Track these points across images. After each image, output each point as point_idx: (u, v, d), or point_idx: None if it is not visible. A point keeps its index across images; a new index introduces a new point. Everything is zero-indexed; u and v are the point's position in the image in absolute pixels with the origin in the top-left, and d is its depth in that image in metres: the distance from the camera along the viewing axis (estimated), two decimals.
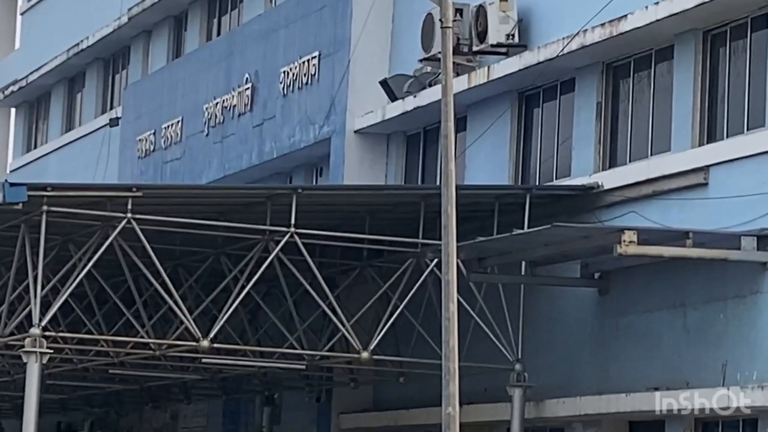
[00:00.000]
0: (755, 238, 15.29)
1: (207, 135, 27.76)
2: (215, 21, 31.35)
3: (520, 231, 16.57)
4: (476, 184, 19.29)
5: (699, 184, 16.07)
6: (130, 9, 33.96)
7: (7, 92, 39.69)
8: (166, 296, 16.96)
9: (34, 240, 16.23)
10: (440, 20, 12.99)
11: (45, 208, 15.43)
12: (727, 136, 16.56)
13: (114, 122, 30.69)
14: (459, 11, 18.48)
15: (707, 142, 16.50)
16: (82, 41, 34.14)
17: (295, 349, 18.59)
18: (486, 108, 20.46)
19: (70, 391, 26.27)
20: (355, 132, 22.85)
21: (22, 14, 42.15)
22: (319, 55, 23.69)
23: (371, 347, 17.43)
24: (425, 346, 16.95)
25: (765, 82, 16.03)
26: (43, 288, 16.10)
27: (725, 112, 16.58)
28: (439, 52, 14.44)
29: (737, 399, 14.99)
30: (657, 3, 16.26)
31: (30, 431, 16.13)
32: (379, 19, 22.98)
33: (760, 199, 15.11)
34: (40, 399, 16.48)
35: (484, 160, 20.25)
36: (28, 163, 40.36)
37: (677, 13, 16.12)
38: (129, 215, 15.70)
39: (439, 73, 15.44)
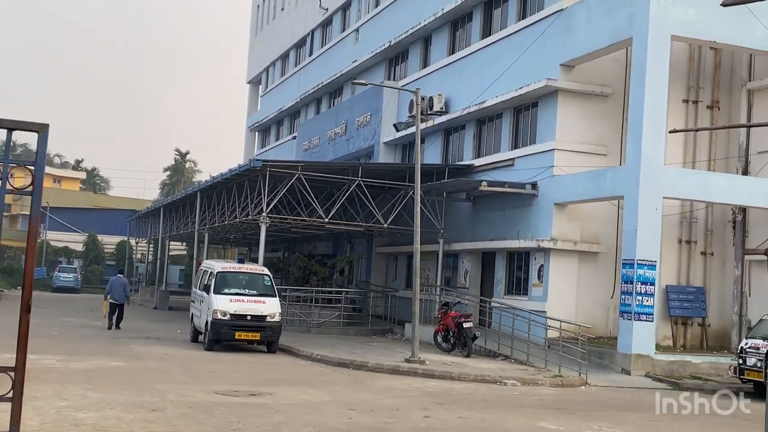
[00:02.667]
0: (531, 185, 24.09)
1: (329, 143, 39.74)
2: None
3: (445, 180, 26.47)
4: (429, 162, 28.86)
5: (510, 165, 25.73)
6: None
7: None
8: (314, 203, 26.42)
9: (262, 181, 26.18)
10: (416, 102, 22.44)
11: (268, 169, 25.76)
12: (529, 144, 25.85)
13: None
14: (423, 98, 26.46)
15: (514, 148, 25.88)
16: None
17: (360, 222, 28.00)
18: (433, 136, 30.33)
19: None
20: (384, 143, 33.12)
21: None
22: (371, 114, 33.90)
23: (388, 222, 27.16)
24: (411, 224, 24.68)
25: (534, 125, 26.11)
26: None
27: (528, 134, 25.90)
28: (412, 115, 26.32)
29: (523, 243, 24.30)
30: (496, 97, 25.59)
31: (260, 257, 26.52)
32: (391, 100, 32.48)
33: (539, 170, 24.09)
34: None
35: (434, 154, 30.27)
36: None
37: (502, 102, 25.61)
38: (298, 173, 25.81)
39: (413, 122, 26.06)
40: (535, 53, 24.72)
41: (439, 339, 22.70)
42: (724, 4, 10.16)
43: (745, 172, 22.81)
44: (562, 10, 23.97)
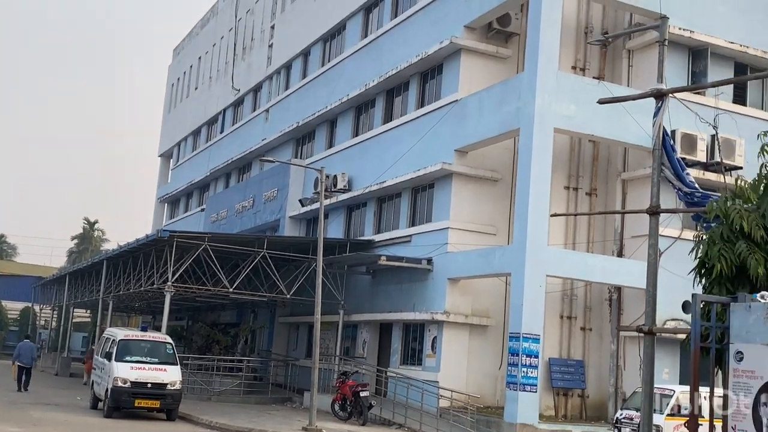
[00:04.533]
0: (426, 260, 24.49)
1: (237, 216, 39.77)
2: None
3: (347, 254, 26.65)
4: (332, 237, 29.45)
5: (408, 241, 26.16)
6: None
7: None
8: (220, 273, 25.95)
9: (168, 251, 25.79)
10: (321, 179, 24.01)
11: (175, 240, 25.18)
12: (425, 222, 26.28)
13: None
14: (327, 176, 27.96)
15: (412, 226, 26.30)
16: None
17: (264, 292, 27.47)
18: (336, 212, 30.56)
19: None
20: (289, 217, 33.29)
21: None
22: (278, 189, 34.02)
23: (291, 293, 26.82)
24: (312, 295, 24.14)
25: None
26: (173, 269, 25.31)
27: (425, 213, 26.63)
28: (317, 192, 26.67)
29: (418, 315, 24.28)
30: (395, 177, 26.19)
31: (164, 325, 25.73)
32: (297, 177, 32.97)
33: (434, 247, 24.51)
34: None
35: (336, 228, 30.48)
36: None
37: (401, 182, 26.22)
38: (205, 243, 25.30)
39: (317, 198, 26.28)
40: (433, 138, 25.34)
41: (337, 408, 22.44)
42: (600, 102, 10.73)
43: (620, 255, 23.63)
44: (457, 100, 24.73)
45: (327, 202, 28.37)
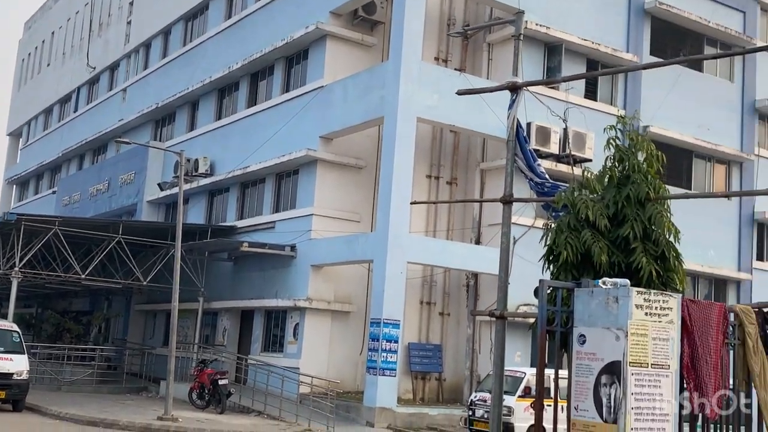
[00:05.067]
0: (290, 247, 24.35)
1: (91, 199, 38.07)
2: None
3: (207, 240, 25.89)
4: (192, 222, 28.54)
5: (271, 227, 25.93)
6: None
7: None
8: (71, 259, 25.07)
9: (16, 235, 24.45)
10: (180, 163, 22.14)
11: (23, 223, 23.94)
12: (289, 209, 26.13)
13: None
14: (188, 160, 27.26)
15: (275, 212, 26.05)
16: None
17: (119, 279, 26.83)
18: (197, 197, 30.02)
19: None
20: (148, 202, 32.34)
21: None
22: (135, 173, 33.10)
23: (148, 280, 26.25)
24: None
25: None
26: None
27: (289, 199, 26.70)
28: (176, 176, 25.94)
29: (280, 302, 24.12)
30: (259, 162, 25.82)
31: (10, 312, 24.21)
32: (156, 160, 32.12)
33: (298, 233, 24.40)
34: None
35: (198, 214, 29.87)
36: None
37: (265, 167, 26.05)
38: (56, 227, 24.38)
39: (177, 182, 24.72)
40: (297, 124, 25.19)
41: (194, 396, 22.05)
42: (459, 93, 10.99)
43: (478, 242, 24.36)
44: (322, 87, 24.69)
45: (187, 186, 27.76)
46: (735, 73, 28.75)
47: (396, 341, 21.00)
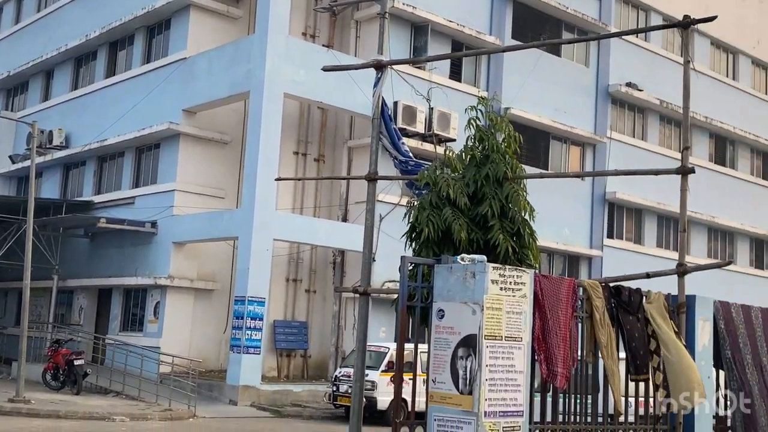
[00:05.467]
0: (151, 223, 23.71)
1: None
2: None
3: (62, 216, 24.75)
4: (46, 197, 27.92)
5: (131, 203, 25.31)
6: None
7: None
8: None
9: None
10: (33, 134, 20.88)
11: None
12: (150, 184, 25.40)
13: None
14: (41, 131, 25.66)
15: (135, 187, 25.42)
16: None
17: None
18: (51, 170, 29.03)
19: None
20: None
21: None
22: None
23: None
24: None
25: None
26: None
27: (150, 174, 26.49)
28: (29, 148, 24.16)
29: (140, 280, 23.98)
30: (118, 135, 24.94)
31: None
32: (8, 131, 30.54)
33: (159, 209, 24.16)
34: None
35: (52, 188, 28.81)
36: None
37: (124, 140, 25.00)
38: None
39: (29, 156, 23.03)
40: (159, 96, 24.48)
41: (49, 377, 21.21)
42: (324, 69, 10.95)
43: (345, 219, 24.51)
44: (185, 58, 24.10)
45: (40, 159, 26.87)
46: (590, 58, 30.02)
47: (261, 319, 20.93)
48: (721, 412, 8.46)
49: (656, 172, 8.97)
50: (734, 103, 34.76)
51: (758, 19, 36.80)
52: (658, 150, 31.13)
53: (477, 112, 9.27)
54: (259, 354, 20.87)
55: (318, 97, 22.75)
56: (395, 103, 22.31)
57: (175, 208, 23.55)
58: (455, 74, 26.28)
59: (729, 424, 8.40)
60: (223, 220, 22.33)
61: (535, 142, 27.58)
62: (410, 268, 7.41)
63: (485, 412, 6.35)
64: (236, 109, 23.98)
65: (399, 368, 7.00)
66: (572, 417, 7.48)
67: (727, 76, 35.44)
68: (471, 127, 9.28)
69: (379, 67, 9.50)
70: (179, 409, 18.05)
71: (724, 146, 34.97)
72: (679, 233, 8.34)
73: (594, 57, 30.13)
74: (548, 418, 7.27)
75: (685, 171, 8.12)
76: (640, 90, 30.73)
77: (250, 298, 20.72)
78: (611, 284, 7.83)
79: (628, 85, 30.33)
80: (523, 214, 9.07)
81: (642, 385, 7.77)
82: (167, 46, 25.39)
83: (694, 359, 7.75)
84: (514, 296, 6.69)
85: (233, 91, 22.52)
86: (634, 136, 31.26)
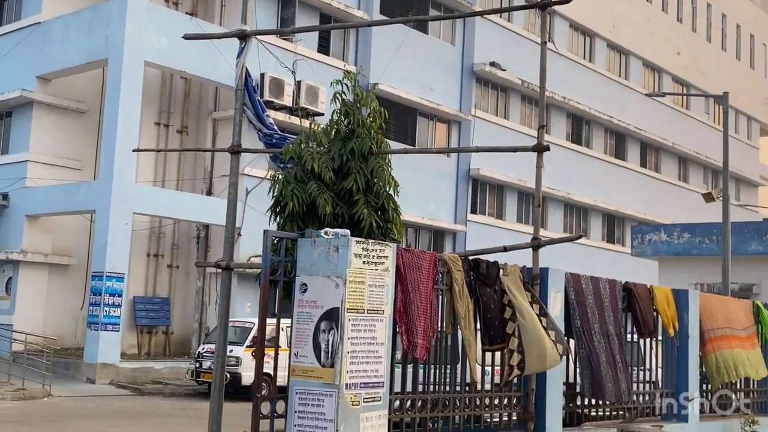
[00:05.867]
0: (2, 196, 23.48)
1: None
2: None
3: None
4: None
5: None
6: None
7: None
8: None
9: None
10: None
11: None
12: (1, 154, 25.26)
13: None
14: None
15: None
16: None
17: None
18: None
19: None
20: None
21: None
22: None
23: None
24: None
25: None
26: None
27: (1, 144, 25.79)
28: None
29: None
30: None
31: None
32: None
33: (10, 181, 22.94)
34: None
35: None
36: None
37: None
38: None
39: None
40: (11, 62, 23.26)
41: None
42: (185, 37, 10.63)
43: (209, 193, 24.10)
44: (40, 23, 22.95)
45: None
46: (456, 37, 30.59)
47: (120, 295, 20.37)
48: (571, 379, 8.90)
49: (514, 150, 9.26)
50: (590, 84, 36.32)
51: (614, 3, 38.49)
52: (519, 128, 32.15)
53: (343, 86, 9.29)
54: (118, 331, 20.34)
55: (181, 66, 22.18)
56: (262, 75, 22.07)
57: (28, 180, 22.50)
58: (323, 48, 26.19)
59: (578, 389, 8.84)
60: (79, 192, 21.50)
61: (403, 119, 27.97)
62: (273, 242, 7.34)
63: (346, 384, 6.40)
64: (94, 77, 23.05)
65: (260, 343, 6.95)
66: (433, 387, 7.66)
67: (584, 58, 36.95)
68: (336, 101, 9.31)
69: (243, 36, 9.27)
70: (33, 388, 17.38)
71: (580, 126, 36.53)
72: (534, 208, 8.66)
73: (460, 36, 30.70)
74: (409, 389, 7.41)
75: (540, 149, 8.40)
76: (503, 69, 31.58)
77: (108, 274, 20.14)
78: (470, 257, 8.03)
79: (492, 64, 31.12)
80: (387, 189, 9.20)
81: (498, 355, 8.02)
82: (20, 9, 24.11)
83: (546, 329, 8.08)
84: (376, 270, 6.76)
85: (91, 58, 21.67)
86: (497, 115, 32.16)
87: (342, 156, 8.89)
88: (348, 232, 6.87)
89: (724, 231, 17.85)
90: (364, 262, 6.65)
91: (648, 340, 9.91)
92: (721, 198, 18.21)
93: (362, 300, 6.60)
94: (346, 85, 9.42)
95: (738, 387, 11.47)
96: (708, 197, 19.40)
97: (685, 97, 42.20)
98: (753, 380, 11.54)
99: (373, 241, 6.89)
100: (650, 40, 40.22)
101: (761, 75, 50.38)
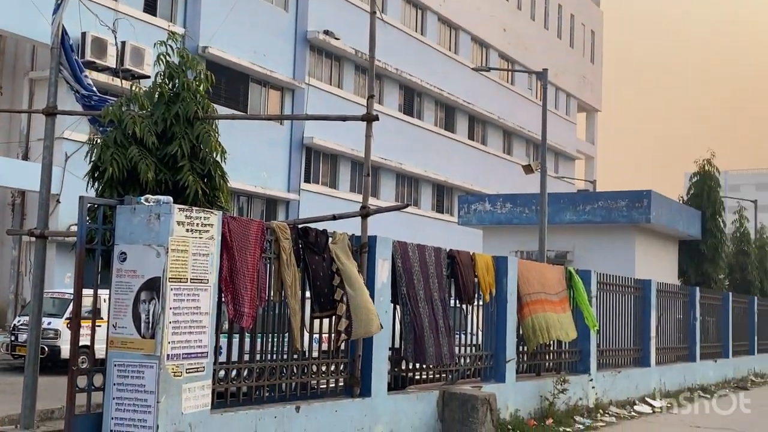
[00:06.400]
0: None
1: None
2: None
3: None
4: None
5: None
6: None
7: None
8: None
9: None
10: None
11: None
12: None
13: None
14: None
15: None
16: None
17: None
18: None
19: None
20: None
21: None
22: None
23: None
24: None
25: None
26: None
27: None
28: None
29: None
30: None
31: None
32: None
33: None
34: None
35: None
36: None
37: None
38: None
39: None
40: None
41: None
42: None
43: (26, 158, 22.77)
44: None
45: None
46: (290, 2, 30.28)
47: None
48: (397, 345, 9.11)
49: (344, 118, 9.29)
50: (422, 57, 37.09)
51: None
52: (353, 98, 32.37)
53: (168, 47, 8.91)
54: None
55: None
56: (83, 34, 20.97)
57: None
58: (150, 8, 25.20)
59: (402, 354, 9.07)
60: None
61: (235, 85, 27.49)
62: (90, 208, 7.02)
63: (168, 355, 6.25)
64: None
65: (76, 314, 6.64)
66: (262, 356, 7.61)
67: (417, 31, 37.63)
68: (161, 63, 8.92)
69: None
70: None
71: (412, 98, 37.30)
72: (363, 177, 8.74)
73: (293, 2, 30.40)
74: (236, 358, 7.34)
75: (369, 118, 8.49)
76: (337, 38, 31.60)
77: None
78: (299, 226, 8.01)
79: (326, 32, 31.06)
80: (214, 156, 8.95)
81: (327, 322, 8.09)
82: None
83: (374, 296, 8.24)
84: (201, 238, 6.60)
85: None
86: (331, 84, 32.21)
87: (166, 120, 8.54)
88: (170, 199, 6.66)
89: (541, 201, 18.76)
90: (187, 230, 6.49)
91: (470, 305, 10.30)
92: (539, 170, 19.12)
93: (185, 269, 6.45)
94: (171, 46, 9.03)
95: (552, 348, 12.16)
96: (527, 169, 20.33)
97: (510, 72, 43.92)
98: (564, 342, 12.26)
99: (197, 208, 6.72)
100: (478, 15, 41.46)
101: (580, 54, 53.25)
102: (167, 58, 8.89)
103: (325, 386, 8.25)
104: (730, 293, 20.90)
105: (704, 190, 24.83)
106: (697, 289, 18.25)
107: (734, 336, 20.26)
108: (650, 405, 13.83)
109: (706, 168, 25.14)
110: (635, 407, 13.43)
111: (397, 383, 9.12)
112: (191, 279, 6.50)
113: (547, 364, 12.12)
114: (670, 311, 16.63)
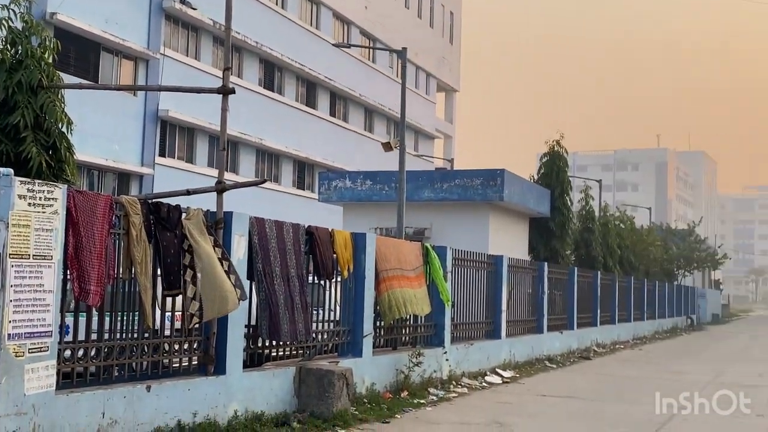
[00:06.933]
0: None
1: None
2: None
3: None
4: None
5: None
6: None
7: None
8: None
9: None
10: None
11: None
12: None
13: None
14: None
15: None
16: None
17: None
18: None
19: None
20: None
21: None
22: None
23: None
24: None
25: None
26: None
27: None
28: None
29: None
30: None
31: None
32: None
33: None
34: None
35: None
36: None
37: None
38: None
39: None
40: None
41: None
42: None
43: None
44: None
45: None
46: None
47: None
48: (253, 322, 9.08)
49: (199, 91, 9.14)
50: (283, 31, 36.82)
51: None
52: (210, 71, 31.78)
53: (9, 12, 8.48)
54: None
55: None
56: None
57: None
58: None
59: (258, 331, 9.05)
60: None
61: (85, 53, 26.39)
62: None
63: (9, 335, 5.99)
64: None
65: None
66: (112, 335, 7.41)
67: (277, 5, 37.29)
68: (2, 28, 8.47)
69: None
70: None
71: (272, 72, 36.96)
72: (218, 152, 8.62)
73: None
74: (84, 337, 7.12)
75: (225, 91, 8.37)
76: (194, 8, 30.89)
77: None
78: (151, 201, 7.82)
79: (182, 2, 30.30)
80: (60, 127, 8.62)
81: (180, 300, 7.96)
82: None
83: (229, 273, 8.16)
84: (44, 212, 6.33)
85: None
86: (188, 55, 31.48)
87: (7, 88, 8.14)
88: (11, 171, 6.35)
89: (400, 179, 19.10)
90: (29, 204, 6.21)
91: (329, 281, 10.39)
92: (398, 148, 19.42)
93: (27, 245, 6.18)
94: (14, 11, 8.60)
95: (408, 323, 12.47)
96: (387, 147, 20.61)
97: (371, 50, 44.27)
98: (420, 316, 12.59)
99: (40, 181, 6.44)
100: None
101: (440, 34, 54.32)
102: (9, 23, 8.47)
103: (178, 365, 8.12)
104: (576, 268, 22.07)
105: (554, 170, 25.93)
106: (546, 264, 19.14)
107: (579, 309, 21.42)
108: (500, 375, 14.43)
109: (556, 149, 26.25)
110: (486, 378, 13.98)
111: (254, 360, 9.10)
112: (34, 255, 6.24)
113: (403, 338, 12.40)
114: (521, 286, 17.38)
